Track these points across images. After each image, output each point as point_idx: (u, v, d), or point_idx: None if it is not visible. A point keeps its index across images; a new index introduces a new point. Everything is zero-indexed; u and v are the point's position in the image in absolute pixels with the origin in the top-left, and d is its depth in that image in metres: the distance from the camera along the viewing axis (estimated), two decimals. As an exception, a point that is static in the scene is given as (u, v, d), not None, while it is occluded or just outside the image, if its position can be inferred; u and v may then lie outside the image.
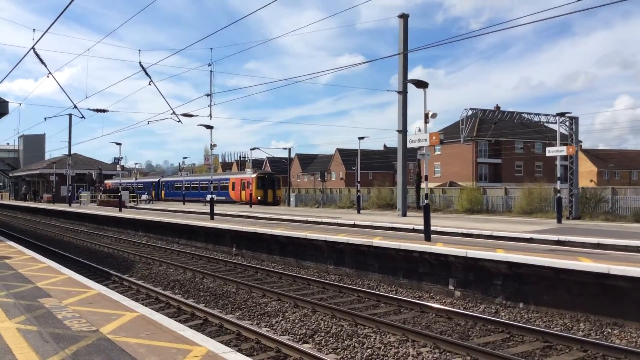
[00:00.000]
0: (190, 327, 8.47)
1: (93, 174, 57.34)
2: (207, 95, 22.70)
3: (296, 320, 10.66)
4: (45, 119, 45.81)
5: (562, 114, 24.03)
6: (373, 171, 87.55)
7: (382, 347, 8.72)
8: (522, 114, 38.28)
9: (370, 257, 15.02)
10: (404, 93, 27.64)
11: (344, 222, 25.77)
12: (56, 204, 55.03)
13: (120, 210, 37.41)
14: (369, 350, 8.67)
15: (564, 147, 22.04)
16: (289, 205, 56.25)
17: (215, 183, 53.75)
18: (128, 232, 30.52)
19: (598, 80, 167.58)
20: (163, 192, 64.82)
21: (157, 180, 68.48)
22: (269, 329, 10.23)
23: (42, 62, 18.54)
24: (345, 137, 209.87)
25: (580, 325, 9.99)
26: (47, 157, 78.50)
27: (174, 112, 23.19)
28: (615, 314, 10.06)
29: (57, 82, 28.48)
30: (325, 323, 10.30)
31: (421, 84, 15.33)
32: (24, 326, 6.28)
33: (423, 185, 50.13)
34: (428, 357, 8.22)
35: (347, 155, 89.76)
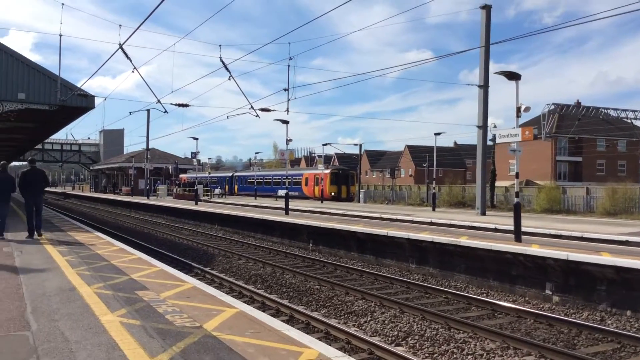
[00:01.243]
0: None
1: (170, 167, 59.00)
2: (285, 89, 22.63)
3: (386, 321, 10.27)
4: (130, 113, 47.58)
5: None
6: (443, 168, 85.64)
7: (485, 355, 8.20)
8: (608, 110, 36.20)
9: (457, 257, 14.42)
10: (485, 87, 26.65)
11: (420, 220, 25.12)
12: (134, 196, 56.98)
13: (196, 204, 38.19)
14: (469, 357, 8.19)
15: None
16: (358, 201, 55.84)
17: (288, 178, 53.95)
18: (204, 225, 31.03)
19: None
20: (236, 186, 65.56)
21: (230, 174, 69.39)
22: (357, 329, 9.91)
23: (129, 58, 18.98)
24: (413, 134, 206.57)
25: (703, 339, 9.10)
26: (125, 151, 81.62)
27: (252, 107, 23.28)
28: None
29: (142, 77, 29.51)
30: (419, 325, 9.86)
31: (513, 76, 14.57)
32: (126, 320, 6.20)
33: (500, 183, 48.37)
34: (537, 367, 7.64)
35: (416, 152, 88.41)
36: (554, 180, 61.65)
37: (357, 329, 9.90)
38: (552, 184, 51.23)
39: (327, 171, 49.95)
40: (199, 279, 13.27)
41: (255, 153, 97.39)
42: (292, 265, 16.94)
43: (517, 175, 15.11)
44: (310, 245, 20.89)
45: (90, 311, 6.60)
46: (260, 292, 13.01)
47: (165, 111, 23.22)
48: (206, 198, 51.39)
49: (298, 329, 9.55)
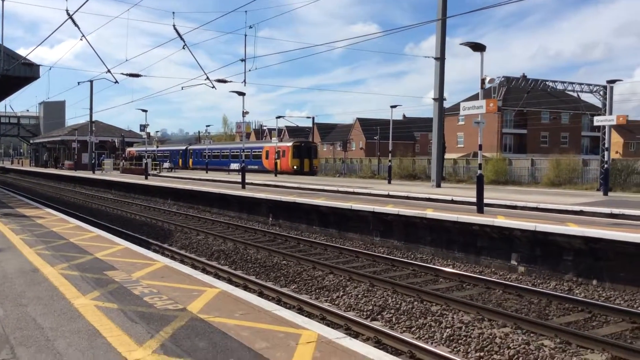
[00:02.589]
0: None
1: (115, 141, 57.12)
2: (242, 60, 21.99)
3: (359, 296, 10.15)
4: (78, 83, 45.92)
5: (612, 81, 23.02)
6: (393, 141, 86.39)
7: (463, 327, 8.18)
8: (555, 83, 37.01)
9: (422, 230, 14.44)
10: (441, 60, 26.70)
11: (377, 193, 25.16)
12: (78, 171, 54.95)
13: (146, 178, 37.12)
14: (448, 330, 8.14)
15: (614, 117, 21.11)
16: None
17: (247, 152, 52.49)
18: (156, 200, 30.20)
19: (616, 50, 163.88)
20: (191, 160, 63.18)
21: (184, 148, 66.76)
22: (330, 304, 9.75)
23: (77, 26, 17.97)
24: (362, 107, 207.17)
25: (669, 306, 9.39)
26: (66, 124, 78.38)
27: (208, 78, 22.54)
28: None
29: (92, 47, 28.15)
30: (393, 300, 9.77)
31: (478, 47, 14.51)
32: (102, 303, 5.80)
33: (448, 155, 49.12)
34: (517, 339, 7.66)
35: (367, 125, 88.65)
36: (500, 152, 63.16)
37: (331, 304, 9.74)
38: (498, 156, 52.47)
39: (289, 144, 48.60)
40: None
41: (206, 126, 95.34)
42: (254, 240, 16.63)
43: (480, 147, 15.17)
44: (270, 219, 20.59)
45: (60, 294, 6.15)
46: (225, 268, 12.72)
47: (116, 81, 22.19)
48: (155, 172, 50.09)
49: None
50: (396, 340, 7.62)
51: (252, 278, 11.69)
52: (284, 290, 10.63)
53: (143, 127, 40.38)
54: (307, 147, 50.72)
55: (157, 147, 65.81)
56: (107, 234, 11.83)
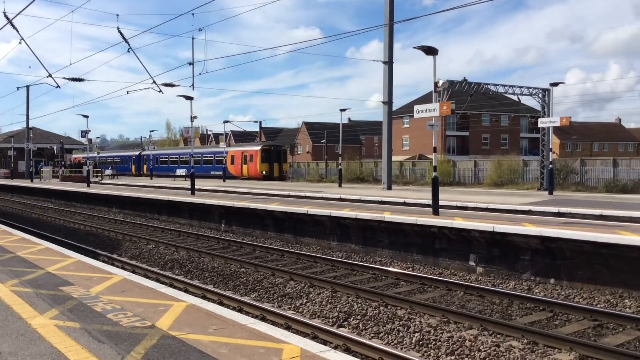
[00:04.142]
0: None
1: (54, 148, 54.91)
2: (189, 63, 21.49)
3: (323, 302, 9.98)
4: (17, 88, 44.03)
5: (555, 84, 23.83)
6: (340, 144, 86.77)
7: (432, 331, 8.13)
8: (497, 86, 38.03)
9: (380, 233, 14.42)
10: (389, 63, 26.93)
11: (330, 196, 25.14)
12: (15, 179, 52.54)
13: (88, 186, 35.82)
14: (417, 334, 8.07)
15: (557, 118, 21.82)
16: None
17: (209, 156, 50.74)
18: (100, 209, 29.15)
19: (548, 54, 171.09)
20: (145, 166, 59.88)
21: (137, 153, 63.33)
22: (294, 312, 9.55)
23: (16, 29, 17.15)
24: (306, 111, 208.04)
25: (626, 302, 9.62)
26: (0, 132, 74.86)
27: (154, 82, 21.93)
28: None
29: (32, 51, 27.06)
30: (359, 305, 9.65)
31: (431, 51, 14.65)
32: (62, 322, 5.40)
33: (394, 157, 49.81)
34: (486, 341, 7.67)
35: (313, 129, 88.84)
36: (444, 154, 64.49)
37: (294, 312, 9.53)
38: (442, 158, 53.53)
39: (258, 148, 46.88)
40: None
41: (150, 131, 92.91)
42: (208, 248, 16.23)
43: (434, 150, 15.30)
44: (223, 225, 20.16)
45: (15, 314, 5.70)
46: (180, 278, 12.28)
47: (58, 86, 21.30)
48: (97, 179, 48.49)
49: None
50: (366, 347, 7.49)
51: (210, 287, 11.34)
52: (245, 299, 10.34)
53: (84, 133, 38.88)
54: (276, 151, 48.87)
55: (98, 153, 63.66)
56: (56, 246, 11.23)
